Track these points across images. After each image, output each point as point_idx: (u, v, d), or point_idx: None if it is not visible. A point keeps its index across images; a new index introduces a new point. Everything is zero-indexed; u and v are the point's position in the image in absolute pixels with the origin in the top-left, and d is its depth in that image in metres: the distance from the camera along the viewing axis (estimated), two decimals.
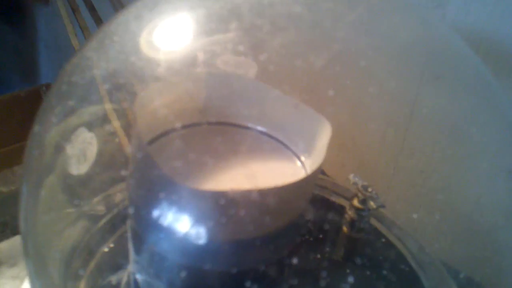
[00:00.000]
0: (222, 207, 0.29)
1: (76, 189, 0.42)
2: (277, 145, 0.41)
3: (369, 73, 0.42)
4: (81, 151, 0.40)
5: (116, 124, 0.42)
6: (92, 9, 1.00)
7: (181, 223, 0.31)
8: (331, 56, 0.38)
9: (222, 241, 0.31)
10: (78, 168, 0.40)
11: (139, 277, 0.36)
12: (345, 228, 0.45)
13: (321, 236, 0.46)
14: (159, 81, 0.36)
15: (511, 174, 0.41)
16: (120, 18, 0.40)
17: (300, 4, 0.38)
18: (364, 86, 0.43)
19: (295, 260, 0.36)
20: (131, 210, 0.35)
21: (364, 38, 0.41)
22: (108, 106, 0.40)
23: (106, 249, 0.45)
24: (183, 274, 0.33)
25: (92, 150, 0.40)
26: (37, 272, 0.38)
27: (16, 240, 0.58)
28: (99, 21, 0.99)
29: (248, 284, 0.33)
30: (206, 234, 0.30)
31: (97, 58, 0.38)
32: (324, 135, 0.36)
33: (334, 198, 0.53)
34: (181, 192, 0.31)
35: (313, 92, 0.39)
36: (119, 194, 0.49)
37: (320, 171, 0.34)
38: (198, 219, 0.30)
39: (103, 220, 0.48)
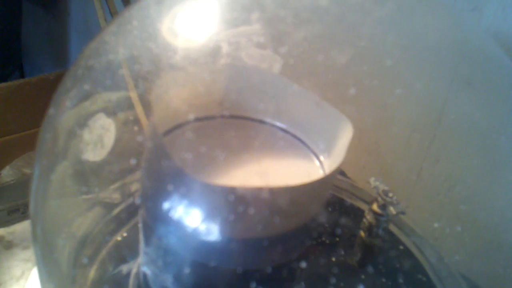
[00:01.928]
0: (231, 203, 0.28)
1: (91, 176, 0.42)
2: (296, 142, 0.40)
3: (396, 74, 0.41)
4: (99, 137, 0.40)
5: (135, 111, 0.41)
6: None
7: (189, 217, 0.30)
8: (356, 54, 0.36)
9: (229, 238, 0.31)
10: (95, 154, 0.40)
11: (147, 268, 0.36)
12: (362, 233, 0.43)
13: (337, 239, 0.45)
14: (176, 71, 0.36)
15: None
16: (141, 2, 0.40)
17: None
18: (390, 87, 0.42)
19: (305, 263, 0.35)
20: (141, 201, 0.35)
21: (392, 36, 0.40)
22: (128, 92, 0.40)
23: (119, 238, 0.45)
24: (190, 268, 0.33)
25: (110, 137, 0.40)
26: (44, 257, 0.38)
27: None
28: None
29: (254, 285, 0.32)
30: (214, 230, 0.30)
31: (115, 43, 0.38)
32: (345, 136, 0.35)
33: (352, 201, 0.52)
34: (190, 185, 0.30)
35: (336, 90, 0.37)
36: (136, 183, 0.49)
37: (338, 173, 0.33)
38: (206, 214, 0.30)
39: (118, 209, 0.48)
